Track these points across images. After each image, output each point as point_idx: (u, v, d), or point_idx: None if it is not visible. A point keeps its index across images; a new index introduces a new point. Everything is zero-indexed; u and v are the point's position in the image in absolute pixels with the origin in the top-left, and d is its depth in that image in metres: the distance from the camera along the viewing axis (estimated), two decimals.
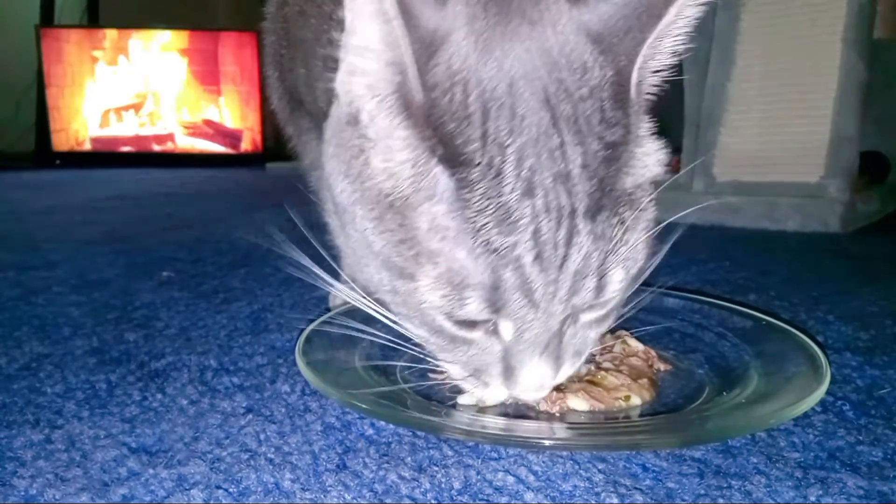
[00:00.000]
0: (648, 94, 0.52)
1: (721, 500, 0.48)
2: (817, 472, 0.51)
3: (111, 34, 4.47)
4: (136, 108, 4.56)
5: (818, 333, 0.83)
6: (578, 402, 0.61)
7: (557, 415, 0.60)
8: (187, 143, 4.63)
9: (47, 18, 4.45)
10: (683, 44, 0.50)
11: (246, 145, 4.66)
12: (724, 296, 0.83)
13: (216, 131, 4.64)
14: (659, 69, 0.51)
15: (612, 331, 0.70)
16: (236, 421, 0.61)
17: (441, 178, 0.48)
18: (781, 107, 1.63)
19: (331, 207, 0.60)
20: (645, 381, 0.64)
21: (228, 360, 0.76)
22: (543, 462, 0.53)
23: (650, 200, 0.53)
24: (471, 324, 0.52)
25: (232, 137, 4.66)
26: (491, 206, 0.47)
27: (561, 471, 0.52)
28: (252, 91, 4.52)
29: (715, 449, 0.54)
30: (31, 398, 0.67)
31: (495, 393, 0.57)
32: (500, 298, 0.49)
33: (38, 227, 1.81)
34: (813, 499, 0.48)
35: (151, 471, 0.52)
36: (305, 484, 0.50)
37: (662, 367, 0.69)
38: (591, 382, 0.64)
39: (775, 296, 1.01)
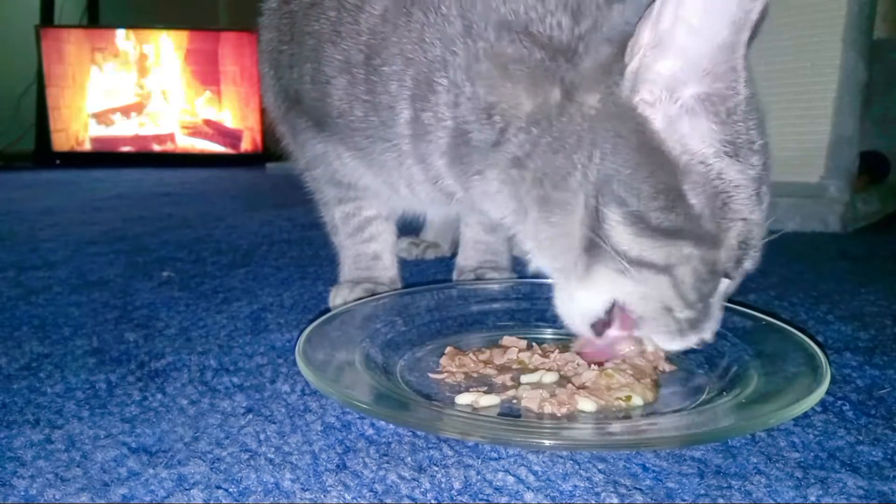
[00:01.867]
0: None
1: (721, 500, 0.48)
2: (817, 472, 0.51)
3: (111, 34, 4.47)
4: (136, 108, 4.56)
5: (818, 333, 0.83)
6: (587, 404, 0.60)
7: (564, 417, 0.60)
8: (187, 143, 4.63)
9: (47, 18, 4.45)
10: None
11: (246, 145, 4.66)
12: None
13: (216, 131, 4.64)
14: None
15: None
16: (236, 421, 0.61)
17: (732, 164, 0.58)
18: (781, 107, 1.63)
19: (527, 179, 0.66)
20: (648, 381, 0.64)
21: (228, 360, 0.76)
22: (543, 462, 0.53)
23: None
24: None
25: (232, 137, 4.66)
26: (752, 188, 0.59)
27: (561, 471, 0.51)
28: (252, 91, 4.52)
29: (715, 449, 0.54)
30: (31, 398, 0.67)
31: (706, 334, 0.65)
32: (743, 258, 0.62)
33: (38, 226, 1.81)
34: (813, 499, 0.48)
35: (151, 471, 0.52)
36: (305, 484, 0.50)
37: (667, 367, 0.69)
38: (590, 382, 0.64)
39: (775, 296, 1.01)
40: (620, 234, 0.59)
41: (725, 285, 0.64)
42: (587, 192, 0.60)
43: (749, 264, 0.62)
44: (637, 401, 0.62)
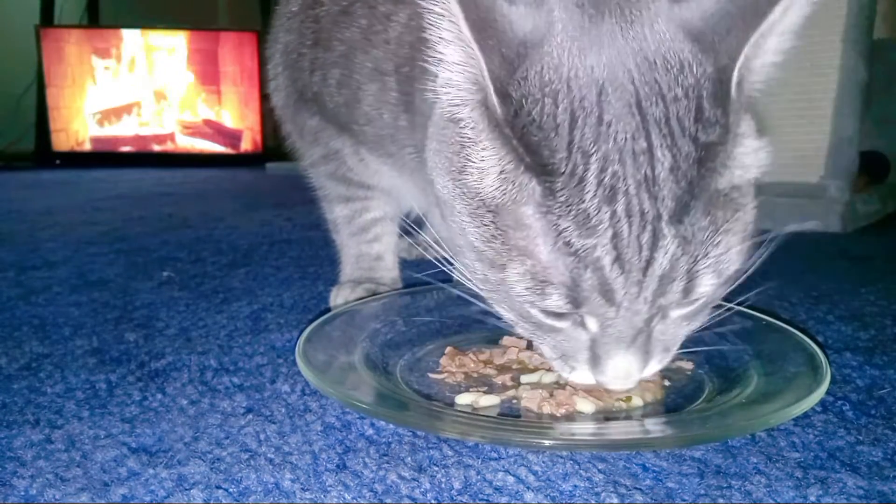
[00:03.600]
0: (750, 92, 0.52)
1: (721, 500, 0.48)
2: (817, 472, 0.51)
3: (111, 34, 4.46)
4: (136, 108, 4.56)
5: (818, 333, 0.83)
6: (586, 405, 0.61)
7: (564, 417, 0.60)
8: (187, 143, 4.63)
9: (47, 18, 4.45)
10: (790, 42, 0.51)
11: (246, 145, 4.66)
12: (723, 295, 0.83)
13: (216, 131, 4.64)
14: (765, 66, 0.51)
15: None
16: (236, 421, 0.61)
17: (528, 184, 0.50)
18: (781, 107, 1.63)
19: (434, 194, 0.61)
20: (650, 383, 0.64)
21: (228, 360, 0.76)
22: (543, 462, 0.53)
23: (750, 203, 0.54)
24: (557, 314, 0.54)
25: (232, 137, 4.65)
26: (572, 212, 0.48)
27: (561, 471, 0.52)
28: (252, 91, 4.52)
29: (715, 449, 0.54)
30: (31, 398, 0.67)
31: (583, 378, 0.58)
32: (580, 296, 0.50)
33: (38, 226, 1.81)
34: (813, 499, 0.48)
35: (151, 471, 0.52)
36: (305, 484, 0.50)
37: (687, 367, 0.69)
38: None
39: (775, 296, 1.00)
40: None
41: (602, 327, 0.53)
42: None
43: (645, 300, 0.51)
44: (637, 401, 0.62)
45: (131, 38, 4.46)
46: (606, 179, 0.48)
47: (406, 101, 0.70)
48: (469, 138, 0.52)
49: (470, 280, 0.59)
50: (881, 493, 0.49)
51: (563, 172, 0.48)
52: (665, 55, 0.49)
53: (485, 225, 0.53)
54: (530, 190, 0.50)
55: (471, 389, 0.65)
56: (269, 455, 0.54)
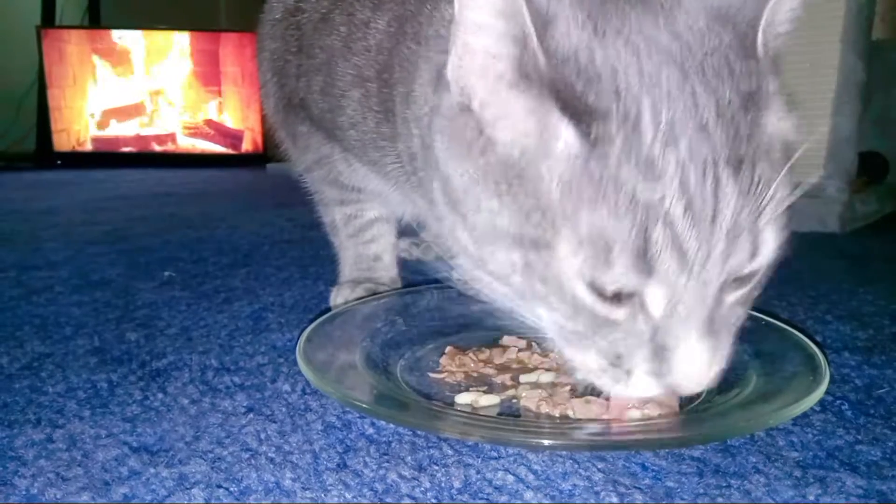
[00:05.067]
0: (774, 58, 0.52)
1: (720, 500, 0.48)
2: (816, 472, 0.51)
3: (112, 35, 4.47)
4: (138, 108, 4.56)
5: (817, 333, 0.83)
6: (581, 408, 0.60)
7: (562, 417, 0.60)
8: (188, 144, 4.63)
9: (48, 19, 4.45)
10: (798, 12, 0.51)
11: (247, 146, 4.66)
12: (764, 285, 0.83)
13: (217, 132, 4.64)
14: (780, 34, 0.51)
15: None
16: (237, 420, 0.61)
17: (573, 139, 0.47)
18: None
19: (440, 199, 0.58)
20: None
21: (229, 360, 0.76)
22: (543, 461, 0.53)
23: (788, 167, 0.50)
24: (615, 298, 0.48)
25: (233, 138, 4.65)
26: (633, 158, 0.45)
27: (560, 470, 0.52)
28: (253, 92, 4.51)
29: (714, 448, 0.55)
30: (33, 397, 0.67)
31: (641, 386, 0.51)
32: (649, 259, 0.45)
33: (39, 226, 1.81)
34: (812, 498, 0.48)
35: (152, 470, 0.52)
36: (306, 483, 0.50)
37: None
38: None
39: (774, 295, 1.01)
40: (466, 243, 0.56)
41: (670, 305, 0.48)
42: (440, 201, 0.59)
43: (719, 256, 0.47)
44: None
45: (132, 39, 4.47)
46: (663, 122, 0.45)
47: (387, 108, 0.70)
48: (488, 119, 0.51)
49: (500, 287, 0.54)
50: (880, 493, 0.49)
51: (617, 117, 0.45)
52: (686, 23, 0.49)
53: (519, 201, 0.49)
54: (578, 143, 0.47)
55: (471, 389, 0.65)
56: (269, 454, 0.55)
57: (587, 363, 0.53)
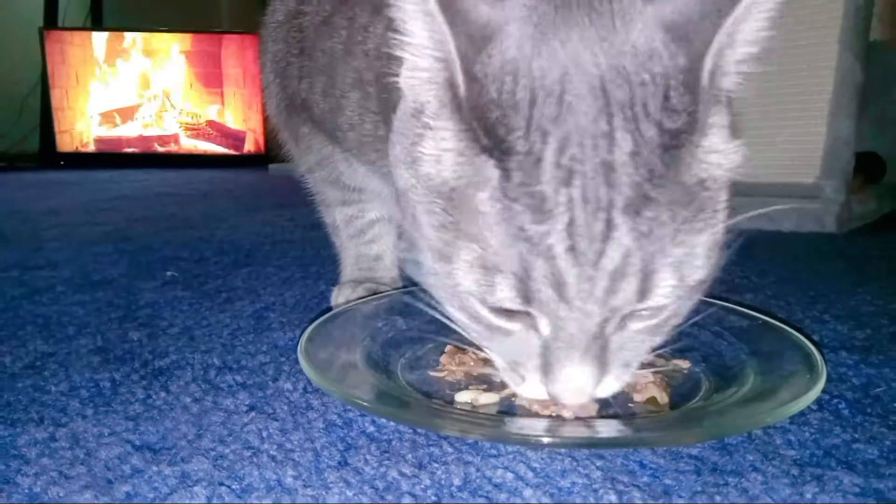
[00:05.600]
0: (727, 86, 0.50)
1: (718, 498, 0.48)
2: (813, 470, 0.51)
3: (115, 36, 4.47)
4: (140, 109, 4.56)
5: (814, 332, 0.83)
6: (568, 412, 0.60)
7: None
8: (190, 145, 4.64)
9: (51, 21, 4.45)
10: (766, 30, 0.48)
11: (249, 146, 4.66)
12: (720, 295, 0.84)
13: (219, 132, 4.64)
14: (740, 59, 0.49)
15: None
16: (239, 418, 0.61)
17: (484, 167, 0.48)
18: (778, 108, 1.63)
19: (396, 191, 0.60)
20: (660, 380, 0.65)
21: (231, 359, 0.77)
22: (542, 459, 0.53)
23: (721, 204, 0.51)
24: (507, 314, 0.52)
25: (235, 139, 4.66)
26: (527, 194, 0.46)
27: (559, 467, 0.52)
28: (255, 93, 4.52)
29: (712, 446, 0.55)
30: (36, 396, 0.67)
31: (532, 390, 0.56)
32: (530, 288, 0.48)
33: (42, 226, 1.81)
34: (809, 496, 0.48)
35: (155, 468, 0.53)
36: (307, 481, 0.51)
37: (685, 364, 0.70)
38: None
39: (772, 295, 1.01)
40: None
41: (553, 331, 0.51)
42: None
43: (597, 300, 0.48)
44: (663, 398, 0.62)
45: (134, 40, 4.47)
46: (565, 161, 0.46)
47: (385, 110, 0.70)
48: (429, 125, 0.52)
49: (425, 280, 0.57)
50: (877, 491, 0.49)
51: (520, 151, 0.46)
52: (634, 43, 0.48)
53: (436, 213, 0.51)
54: (487, 172, 0.48)
55: (471, 387, 0.65)
56: (271, 452, 0.55)
57: (495, 361, 0.59)
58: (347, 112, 0.76)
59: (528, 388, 0.56)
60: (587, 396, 0.53)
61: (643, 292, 0.48)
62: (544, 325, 0.51)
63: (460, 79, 0.48)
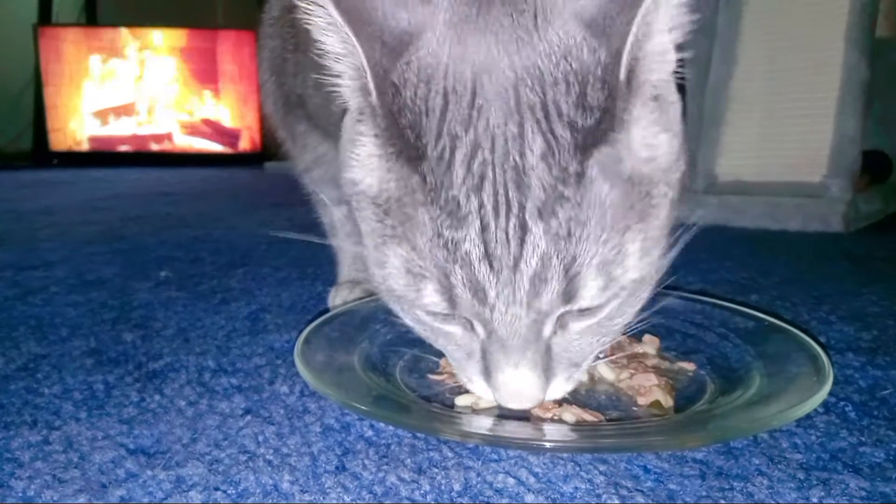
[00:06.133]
0: (651, 78, 0.48)
1: (723, 502, 0.48)
2: (819, 474, 0.51)
3: (109, 33, 4.46)
4: (134, 107, 4.56)
5: (820, 334, 0.83)
6: (569, 416, 0.59)
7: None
8: (185, 143, 4.63)
9: (45, 17, 4.45)
10: (684, 15, 0.47)
11: (244, 144, 4.66)
12: (725, 296, 0.83)
13: (214, 130, 4.64)
14: (661, 49, 0.48)
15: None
16: (235, 422, 0.61)
17: (396, 172, 0.49)
18: (783, 106, 1.63)
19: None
20: (664, 382, 0.64)
21: (227, 361, 0.76)
22: (544, 464, 0.52)
23: (659, 201, 0.50)
24: (444, 317, 0.52)
25: (230, 136, 4.66)
26: (441, 200, 0.47)
27: (562, 472, 0.51)
28: (250, 90, 4.52)
29: (717, 450, 0.54)
30: (29, 399, 0.66)
31: (481, 392, 0.56)
32: (453, 294, 0.48)
33: (35, 226, 1.80)
34: (815, 500, 0.48)
35: (149, 472, 0.52)
36: (304, 486, 0.50)
37: (689, 367, 0.69)
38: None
39: (777, 296, 1.01)
40: None
41: (487, 335, 0.51)
42: None
43: (520, 302, 0.48)
44: (668, 401, 0.62)
45: (129, 37, 4.46)
46: (475, 166, 0.46)
47: None
48: (360, 131, 0.52)
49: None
50: (883, 495, 0.49)
51: (431, 157, 0.47)
52: (552, 41, 0.47)
53: (369, 219, 0.52)
54: (407, 177, 0.49)
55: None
56: (267, 456, 0.54)
57: (450, 361, 0.59)
58: (332, 107, 0.75)
59: (478, 390, 0.57)
60: (533, 401, 0.53)
61: (569, 294, 0.48)
62: (479, 328, 0.51)
63: (371, 86, 0.48)
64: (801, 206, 1.61)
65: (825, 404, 0.61)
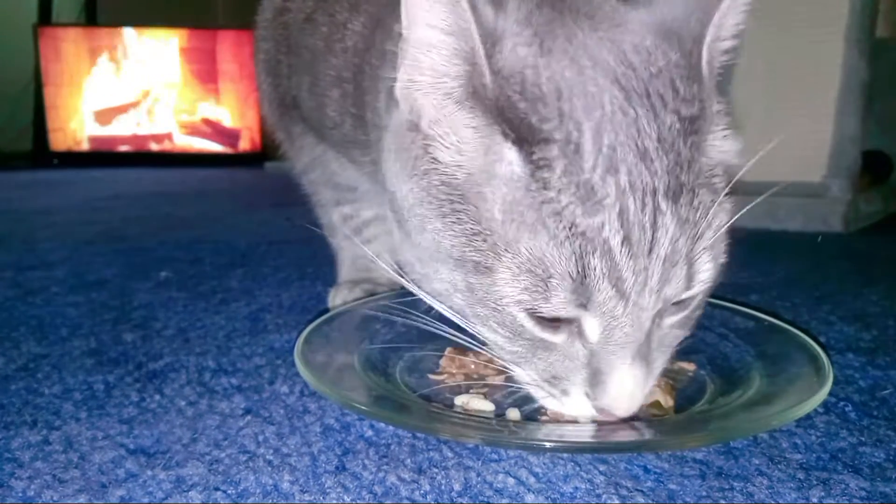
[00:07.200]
0: (718, 74, 0.51)
1: (723, 502, 0.48)
2: (819, 474, 0.51)
3: (109, 33, 4.46)
4: (134, 107, 4.55)
5: (820, 334, 0.83)
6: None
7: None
8: (185, 142, 4.63)
9: (45, 17, 4.45)
10: (743, 23, 0.50)
11: (244, 144, 4.66)
12: (725, 296, 0.83)
13: (214, 130, 4.64)
14: (724, 49, 0.51)
15: None
16: (235, 422, 0.61)
17: (516, 162, 0.47)
18: (783, 106, 1.63)
19: (390, 214, 0.58)
20: (664, 383, 0.64)
21: (227, 361, 0.76)
22: (544, 464, 0.52)
23: (727, 188, 0.51)
24: (554, 323, 0.49)
25: (230, 136, 4.65)
26: (573, 185, 0.45)
27: (562, 472, 0.51)
28: (251, 90, 4.51)
29: (717, 450, 0.54)
30: (29, 399, 0.66)
31: (577, 405, 0.53)
32: (587, 289, 0.46)
33: (35, 226, 1.80)
34: (815, 500, 0.48)
35: (149, 472, 0.52)
36: (304, 486, 0.50)
37: (689, 367, 0.69)
38: None
39: (777, 296, 1.01)
40: (407, 252, 0.56)
41: (604, 335, 0.49)
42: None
43: (654, 289, 0.47)
44: (668, 402, 0.62)
45: (129, 37, 4.46)
46: (605, 148, 0.45)
47: (361, 110, 0.69)
48: (435, 137, 0.50)
49: (443, 304, 0.54)
50: (883, 495, 0.49)
51: (558, 139, 0.45)
52: (632, 42, 0.48)
53: (462, 224, 0.49)
54: (520, 167, 0.47)
55: (471, 391, 0.64)
56: (267, 456, 0.54)
57: (524, 378, 0.55)
58: (328, 111, 0.75)
59: (573, 405, 0.53)
60: (639, 402, 0.51)
61: (689, 278, 0.48)
62: (593, 331, 0.49)
63: (486, 70, 0.47)
64: (802, 206, 1.61)
65: (825, 404, 0.61)
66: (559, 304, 0.47)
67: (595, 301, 0.46)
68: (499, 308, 0.49)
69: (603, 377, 0.50)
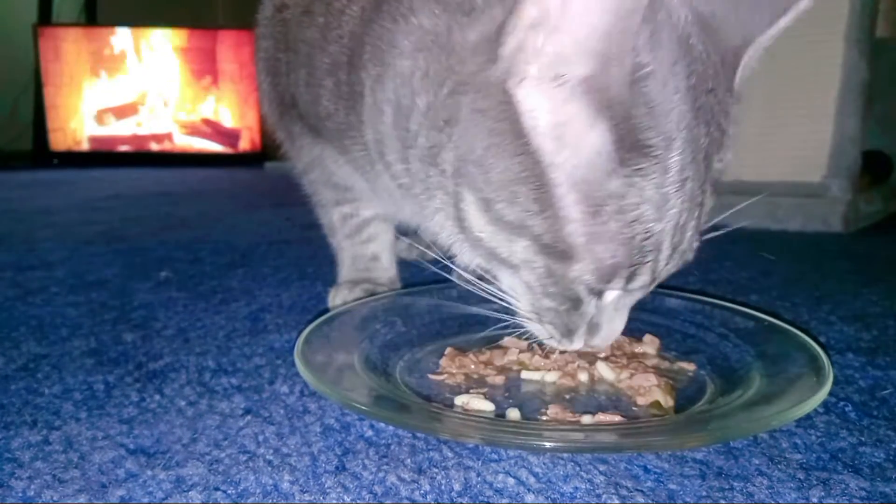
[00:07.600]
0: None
1: (723, 502, 0.48)
2: (819, 474, 0.51)
3: (109, 33, 4.46)
4: (134, 107, 4.55)
5: (820, 334, 0.83)
6: (607, 371, 0.68)
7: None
8: (185, 143, 4.63)
9: (45, 17, 4.45)
10: (772, 45, 0.56)
11: (244, 144, 4.66)
12: (725, 296, 0.83)
13: (214, 130, 4.64)
14: (753, 67, 0.56)
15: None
16: (235, 422, 0.60)
17: (621, 168, 0.49)
18: (783, 106, 1.62)
19: (435, 172, 0.58)
20: (664, 383, 0.64)
21: (227, 361, 0.76)
22: (544, 464, 0.52)
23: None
24: (598, 292, 0.57)
25: (230, 136, 4.65)
26: (657, 195, 0.50)
27: (562, 472, 0.51)
28: (251, 90, 4.51)
29: (717, 450, 0.54)
30: (29, 399, 0.66)
31: (577, 345, 0.62)
32: (634, 273, 0.53)
33: (35, 226, 1.80)
34: (815, 500, 0.48)
35: (149, 472, 0.52)
36: (304, 486, 0.50)
37: (689, 367, 0.70)
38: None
39: (777, 296, 1.01)
40: (474, 218, 0.56)
41: (615, 298, 0.59)
42: (447, 172, 0.57)
43: (666, 270, 0.56)
44: (669, 402, 0.62)
45: (129, 37, 4.46)
46: (681, 164, 0.50)
47: (354, 95, 0.69)
48: (555, 117, 0.49)
49: (472, 254, 0.60)
50: (883, 495, 0.49)
51: (658, 154, 0.49)
52: (695, 44, 0.52)
53: (557, 213, 0.51)
54: (626, 173, 0.49)
55: (471, 391, 0.64)
56: (267, 456, 0.54)
57: (541, 331, 0.63)
58: (323, 101, 0.75)
59: (575, 345, 0.62)
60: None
61: (685, 261, 0.57)
62: (611, 296, 0.58)
63: (628, 69, 0.47)
64: (802, 206, 1.61)
65: (825, 404, 0.61)
66: (615, 283, 0.54)
67: (634, 284, 0.54)
68: (568, 286, 0.55)
69: (600, 328, 0.60)
